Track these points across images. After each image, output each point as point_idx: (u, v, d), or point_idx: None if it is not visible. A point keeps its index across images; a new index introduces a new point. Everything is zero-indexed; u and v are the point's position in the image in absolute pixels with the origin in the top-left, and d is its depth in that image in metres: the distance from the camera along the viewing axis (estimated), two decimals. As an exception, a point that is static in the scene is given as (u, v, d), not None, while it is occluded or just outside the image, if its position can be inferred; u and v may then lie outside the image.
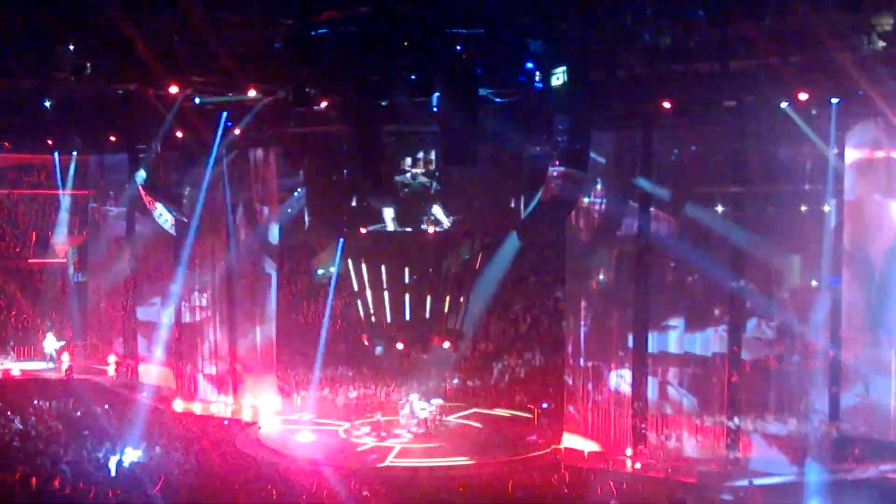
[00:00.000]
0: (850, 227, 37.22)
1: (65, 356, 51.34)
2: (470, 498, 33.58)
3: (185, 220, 44.39)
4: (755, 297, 38.46)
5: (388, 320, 41.41)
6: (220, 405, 46.33)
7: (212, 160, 43.39)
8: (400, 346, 42.80)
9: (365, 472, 37.32)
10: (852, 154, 36.53)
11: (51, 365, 51.80)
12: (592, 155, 38.79)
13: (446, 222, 39.01)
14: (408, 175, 38.61)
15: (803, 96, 34.78)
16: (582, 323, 40.99)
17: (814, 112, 35.72)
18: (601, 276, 40.94)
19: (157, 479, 31.34)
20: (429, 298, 40.91)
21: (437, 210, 38.84)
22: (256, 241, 46.37)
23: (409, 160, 38.68)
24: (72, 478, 31.73)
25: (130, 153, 44.70)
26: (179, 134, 42.63)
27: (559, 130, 38.06)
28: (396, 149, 38.67)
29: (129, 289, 52.81)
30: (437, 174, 38.66)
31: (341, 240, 42.24)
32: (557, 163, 38.38)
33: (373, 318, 41.84)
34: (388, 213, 39.03)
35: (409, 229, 39.46)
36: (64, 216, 55.69)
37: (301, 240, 49.73)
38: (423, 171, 38.57)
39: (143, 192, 44.47)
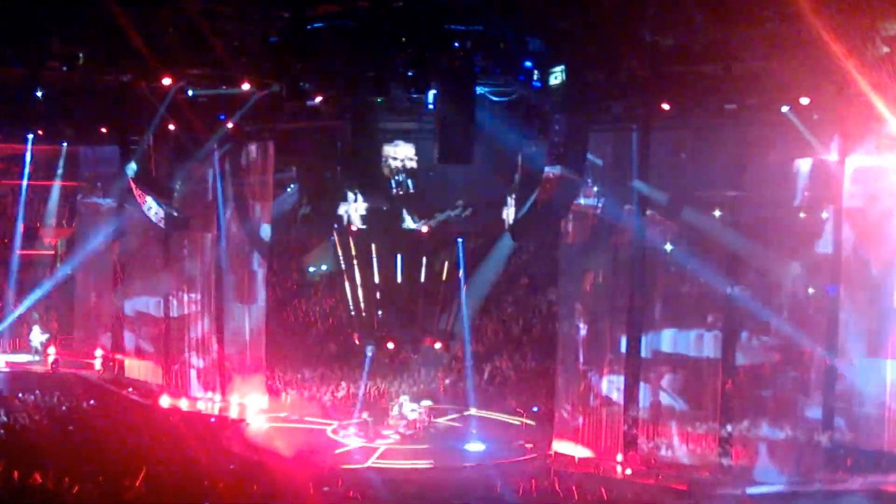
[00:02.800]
0: (850, 234, 36.92)
1: (51, 349, 51.00)
2: (458, 501, 33.33)
3: (176, 214, 43.96)
4: (751, 304, 38.13)
5: (379, 319, 41.14)
6: (207, 402, 46.01)
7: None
8: (391, 345, 42.57)
9: (352, 472, 37.05)
10: (854, 160, 36.16)
11: (36, 358, 51.46)
12: (589, 156, 38.47)
13: (415, 226, 38.78)
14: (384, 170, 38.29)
15: (805, 101, 34.44)
16: (574, 326, 40.73)
17: (815, 117, 35.37)
18: (595, 280, 40.62)
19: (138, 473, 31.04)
20: (420, 298, 40.66)
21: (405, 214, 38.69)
22: (247, 237, 46.01)
23: (390, 158, 38.40)
24: (55, 472, 31.40)
25: (121, 145, 44.23)
26: (172, 126, 42.30)
27: (556, 131, 37.75)
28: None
29: (117, 282, 52.49)
30: (430, 174, 38.43)
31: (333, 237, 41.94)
32: (554, 163, 38.09)
33: (364, 318, 41.54)
34: (357, 210, 38.76)
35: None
36: (53, 208, 55.33)
37: (293, 236, 49.54)
38: (403, 168, 38.28)
39: (133, 185, 44.04)
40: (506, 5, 34.44)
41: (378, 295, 40.79)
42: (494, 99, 36.53)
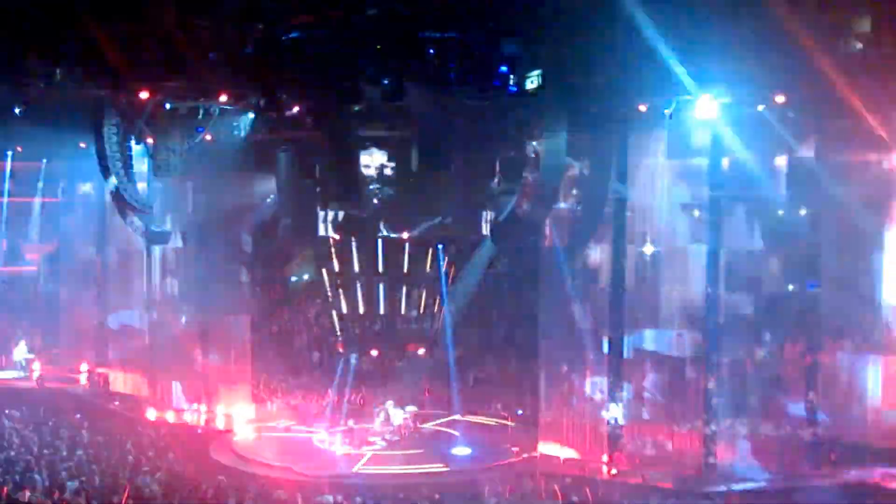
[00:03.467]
0: (828, 230, 37.19)
1: (36, 365, 50.99)
2: (445, 505, 33.51)
3: (156, 228, 44.06)
4: (732, 302, 38.29)
5: (363, 327, 41.25)
6: (193, 413, 46.04)
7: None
8: (374, 353, 42.63)
9: (339, 479, 37.16)
10: (830, 157, 36.34)
11: (22, 374, 51.40)
12: (568, 159, 38.67)
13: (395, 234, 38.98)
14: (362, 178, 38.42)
15: (780, 99, 34.62)
16: (556, 329, 40.89)
17: (790, 115, 35.56)
18: (577, 282, 40.77)
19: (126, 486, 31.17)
20: (403, 305, 40.78)
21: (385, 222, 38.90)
22: (230, 249, 46.09)
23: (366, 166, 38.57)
24: (43, 487, 31.48)
25: (101, 160, 44.25)
26: (150, 140, 42.38)
27: (533, 134, 37.98)
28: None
29: (100, 297, 52.48)
30: (409, 181, 38.60)
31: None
32: (531, 167, 38.29)
33: (347, 325, 41.68)
34: (337, 219, 38.96)
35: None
36: (35, 224, 55.31)
37: (275, 247, 49.63)
38: (381, 176, 38.45)
39: (113, 200, 44.12)
40: (479, 12, 34.60)
41: (361, 303, 40.88)
42: (471, 105, 36.60)
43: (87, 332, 52.94)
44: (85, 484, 32.11)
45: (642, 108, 36.64)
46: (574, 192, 40.24)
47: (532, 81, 35.93)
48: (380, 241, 39.46)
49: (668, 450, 38.62)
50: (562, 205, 40.28)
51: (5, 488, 30.88)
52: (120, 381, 50.17)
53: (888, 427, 36.98)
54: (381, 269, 40.28)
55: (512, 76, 35.96)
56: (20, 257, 55.68)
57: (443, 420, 45.59)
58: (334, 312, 41.92)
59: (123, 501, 30.28)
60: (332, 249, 40.65)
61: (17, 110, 40.40)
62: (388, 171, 38.26)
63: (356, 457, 40.12)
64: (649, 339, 39.49)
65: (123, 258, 49.94)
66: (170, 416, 45.83)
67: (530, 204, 38.49)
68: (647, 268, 39.45)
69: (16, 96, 39.21)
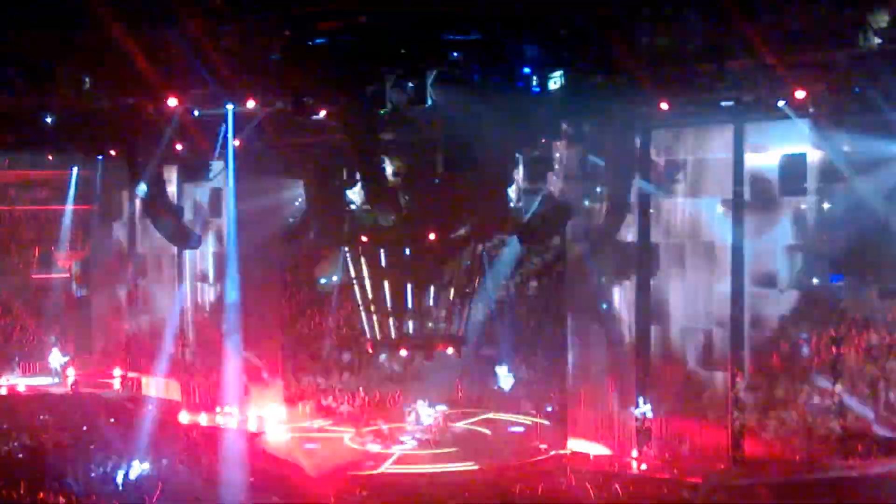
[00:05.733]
0: (850, 225, 37.32)
1: (70, 370, 51.45)
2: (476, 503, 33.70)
3: (186, 233, 44.34)
4: (756, 297, 38.43)
5: (392, 327, 41.47)
6: (225, 416, 46.35)
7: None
8: (403, 352, 42.87)
9: (370, 479, 37.41)
10: (850, 152, 36.43)
11: (56, 380, 51.85)
12: (592, 158, 38.85)
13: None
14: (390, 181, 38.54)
15: (800, 94, 34.66)
16: (585, 326, 41.09)
17: (811, 110, 35.63)
18: (603, 279, 40.96)
19: (155, 488, 31.49)
20: (432, 305, 40.99)
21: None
22: (259, 252, 46.36)
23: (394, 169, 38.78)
24: (78, 492, 31.87)
25: (131, 167, 44.58)
26: (179, 147, 42.68)
27: (557, 134, 38.15)
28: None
29: (132, 302, 52.89)
30: (436, 181, 38.77)
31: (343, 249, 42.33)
32: (556, 167, 38.46)
33: (376, 326, 41.90)
34: (365, 221, 39.28)
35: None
36: (66, 231, 55.77)
37: (304, 250, 49.91)
38: (408, 178, 38.59)
39: (144, 205, 44.51)
40: (503, 14, 34.73)
41: (389, 302, 41.08)
42: (495, 106, 36.76)
43: (120, 338, 53.44)
44: (118, 486, 32.57)
45: (664, 105, 36.75)
46: (598, 189, 40.36)
47: (555, 82, 36.06)
48: (407, 242, 39.51)
49: (697, 444, 38.71)
50: (587, 202, 40.45)
51: (41, 493, 31.33)
52: (152, 386, 50.60)
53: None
54: (409, 269, 40.38)
55: (535, 77, 36.08)
56: (53, 264, 56.16)
57: (474, 419, 45.89)
58: (363, 313, 42.06)
59: (154, 502, 30.64)
60: (361, 251, 40.80)
61: (47, 119, 40.69)
62: (413, 174, 38.33)
63: (386, 456, 40.43)
64: (678, 335, 39.51)
65: (154, 263, 50.35)
66: (202, 419, 46.20)
67: (555, 203, 38.68)
68: (674, 264, 39.44)
69: (46, 105, 39.47)
